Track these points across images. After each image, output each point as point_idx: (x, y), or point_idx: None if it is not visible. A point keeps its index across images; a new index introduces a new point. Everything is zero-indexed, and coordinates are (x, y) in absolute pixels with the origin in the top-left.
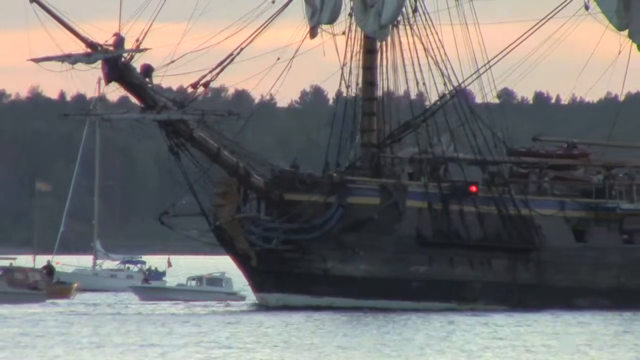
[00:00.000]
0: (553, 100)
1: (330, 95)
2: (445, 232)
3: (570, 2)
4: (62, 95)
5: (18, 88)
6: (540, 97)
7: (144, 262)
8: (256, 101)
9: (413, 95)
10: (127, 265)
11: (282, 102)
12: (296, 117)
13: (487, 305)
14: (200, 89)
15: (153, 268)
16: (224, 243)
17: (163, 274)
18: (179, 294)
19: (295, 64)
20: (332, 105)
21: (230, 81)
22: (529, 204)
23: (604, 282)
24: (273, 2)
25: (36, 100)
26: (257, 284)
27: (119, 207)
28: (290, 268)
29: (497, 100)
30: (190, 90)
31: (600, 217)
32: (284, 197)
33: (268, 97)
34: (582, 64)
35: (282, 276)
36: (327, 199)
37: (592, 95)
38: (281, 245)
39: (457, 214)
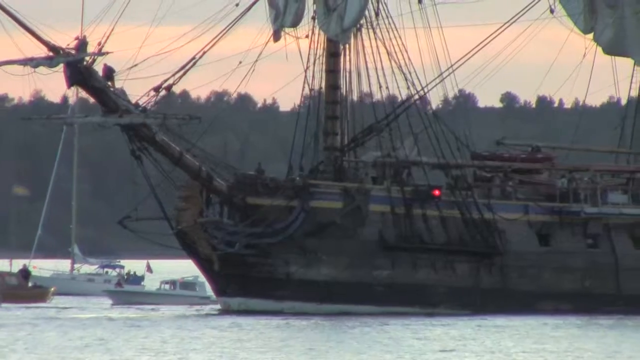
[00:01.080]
0: (556, 104)
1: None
2: (408, 236)
3: (535, 5)
4: (64, 99)
5: (21, 92)
6: (543, 101)
7: (122, 267)
8: (259, 105)
9: (376, 99)
10: (105, 269)
11: (286, 106)
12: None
13: (450, 309)
14: (163, 93)
15: (132, 272)
16: (187, 247)
17: (142, 278)
18: (152, 298)
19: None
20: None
21: (194, 84)
22: (492, 208)
23: (568, 287)
24: (237, 5)
25: (39, 104)
26: (220, 289)
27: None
28: (253, 272)
29: (500, 104)
30: (152, 93)
31: (565, 221)
32: (246, 201)
33: (271, 101)
34: (547, 66)
35: (244, 280)
36: (289, 203)
37: (594, 99)
38: (244, 250)
39: (420, 218)
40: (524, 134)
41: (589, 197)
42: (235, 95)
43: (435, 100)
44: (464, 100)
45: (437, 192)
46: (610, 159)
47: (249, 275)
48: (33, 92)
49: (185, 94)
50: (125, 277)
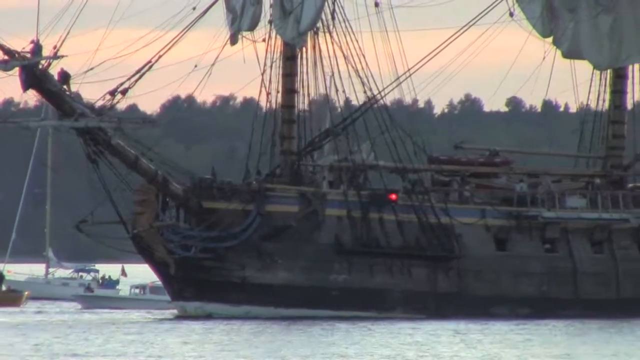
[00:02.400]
0: (562, 109)
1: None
2: (364, 240)
3: (493, 8)
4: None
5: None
6: (549, 105)
7: (97, 271)
8: (264, 110)
9: (333, 103)
10: (79, 273)
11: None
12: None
13: (406, 313)
14: (118, 97)
15: (107, 276)
16: (142, 251)
17: (116, 282)
18: (121, 302)
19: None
20: None
21: (152, 87)
22: (449, 212)
23: (525, 291)
24: (194, 9)
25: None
26: (176, 293)
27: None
28: (209, 276)
29: (506, 109)
30: (107, 97)
31: (522, 225)
32: (202, 205)
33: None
34: (506, 70)
35: (200, 285)
36: (245, 206)
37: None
38: (200, 254)
39: (377, 222)
40: (528, 138)
41: (547, 202)
42: (241, 99)
43: (440, 105)
44: (470, 105)
45: (393, 196)
46: (572, 163)
47: (205, 279)
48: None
49: (190, 99)
50: (100, 281)
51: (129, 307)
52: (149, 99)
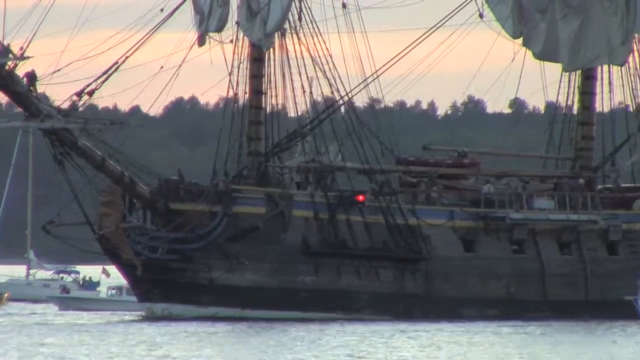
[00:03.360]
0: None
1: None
2: (331, 241)
3: (462, 9)
4: (73, 105)
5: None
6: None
7: (77, 272)
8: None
9: (301, 104)
10: (60, 275)
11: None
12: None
13: (374, 315)
14: (85, 97)
15: (88, 278)
16: (109, 252)
17: (97, 284)
18: (97, 303)
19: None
20: None
21: (119, 89)
22: (417, 214)
23: (493, 293)
24: (162, 10)
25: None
26: (143, 294)
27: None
28: (176, 278)
29: (509, 110)
30: (74, 98)
31: (490, 227)
32: (169, 207)
33: (280, 107)
34: (481, 71)
35: (167, 286)
36: (212, 208)
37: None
38: (166, 255)
39: (344, 223)
40: (531, 140)
41: (515, 203)
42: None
43: (443, 107)
44: (474, 106)
45: (361, 198)
46: (541, 164)
47: (172, 280)
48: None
49: (193, 100)
50: (81, 282)
51: (105, 308)
52: (151, 100)
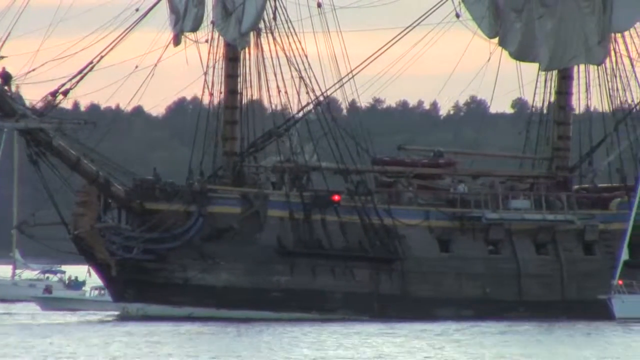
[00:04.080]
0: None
1: None
2: (307, 241)
3: (438, 8)
4: (75, 105)
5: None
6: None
7: (63, 272)
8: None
9: (276, 104)
10: (46, 274)
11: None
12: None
13: (349, 315)
14: (60, 97)
15: (73, 278)
16: (84, 252)
17: (83, 283)
18: (80, 304)
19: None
20: None
21: (94, 88)
22: (392, 214)
23: (469, 293)
24: (137, 10)
25: (92, 110)
26: (118, 294)
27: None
28: (151, 278)
29: (512, 110)
30: (49, 98)
31: (466, 227)
32: (144, 206)
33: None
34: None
35: (142, 286)
36: (187, 208)
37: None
38: (141, 255)
39: (319, 223)
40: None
41: (490, 203)
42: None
43: (445, 107)
44: (476, 106)
45: (336, 198)
46: (517, 164)
47: (147, 280)
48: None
49: (196, 101)
50: (67, 282)
51: (87, 308)
52: (155, 101)
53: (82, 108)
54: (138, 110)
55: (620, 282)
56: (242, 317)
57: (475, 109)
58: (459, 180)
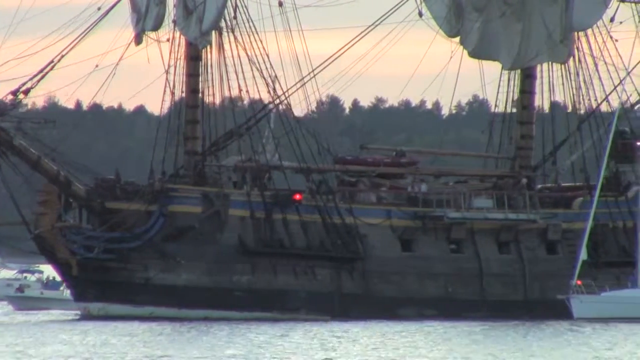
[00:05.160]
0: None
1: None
2: (268, 241)
3: (400, 7)
4: (78, 104)
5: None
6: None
7: (41, 272)
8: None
9: (238, 103)
10: (24, 274)
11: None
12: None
13: (310, 314)
14: (21, 96)
15: (51, 277)
16: (44, 251)
17: (61, 283)
18: (53, 303)
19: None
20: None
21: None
22: (354, 213)
23: (431, 292)
24: (99, 9)
25: (52, 109)
26: (79, 294)
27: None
28: (112, 277)
29: (514, 110)
30: (10, 97)
31: (428, 226)
32: (105, 206)
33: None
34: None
35: (103, 285)
36: (148, 207)
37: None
38: (102, 254)
39: (281, 222)
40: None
41: (453, 202)
42: (248, 100)
43: (447, 106)
44: (478, 106)
45: (298, 197)
46: (480, 163)
47: (108, 280)
48: (46, 97)
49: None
50: (45, 281)
51: (61, 307)
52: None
53: (64, 105)
54: (140, 110)
55: (579, 282)
56: (204, 317)
57: (478, 109)
58: (420, 180)
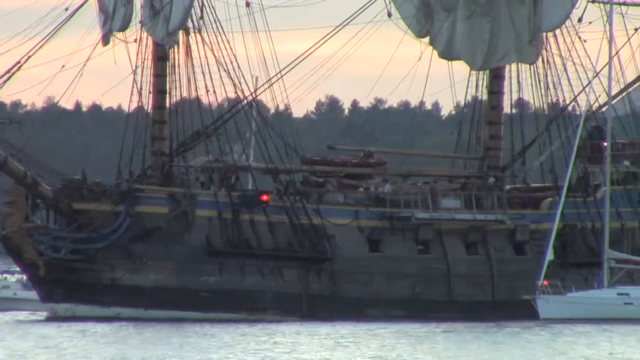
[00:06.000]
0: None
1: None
2: (235, 241)
3: (368, 7)
4: (77, 105)
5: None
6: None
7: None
8: (272, 111)
9: (205, 104)
10: (4, 275)
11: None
12: (311, 126)
13: (278, 315)
14: None
15: None
16: (12, 252)
17: None
18: (26, 304)
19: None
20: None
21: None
22: (322, 213)
23: (399, 293)
24: (66, 9)
25: (51, 110)
26: (46, 294)
27: None
28: (79, 278)
29: (513, 110)
30: None
31: (395, 226)
32: (72, 206)
33: (283, 107)
34: (386, 70)
35: (70, 286)
36: (115, 208)
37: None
38: (70, 255)
39: (248, 223)
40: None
41: (420, 203)
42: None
43: (447, 107)
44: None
45: (265, 197)
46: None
47: (75, 281)
48: (45, 97)
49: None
50: (25, 282)
51: (37, 309)
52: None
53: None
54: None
55: (546, 282)
56: (171, 318)
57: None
58: (384, 180)
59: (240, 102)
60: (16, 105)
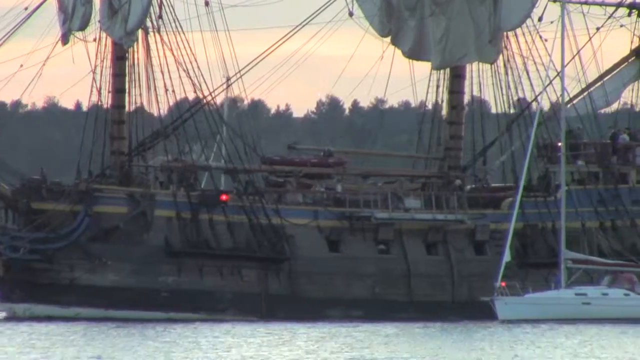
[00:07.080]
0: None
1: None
2: (194, 241)
3: (330, 6)
4: (78, 105)
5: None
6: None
7: None
8: (272, 111)
9: (165, 103)
10: None
11: (298, 112)
12: (312, 126)
13: (237, 316)
14: None
15: None
16: None
17: None
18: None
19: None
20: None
21: None
22: (281, 213)
23: (358, 293)
24: (26, 9)
25: (51, 110)
26: (5, 294)
27: None
28: (38, 278)
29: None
30: None
31: (355, 226)
32: (31, 206)
33: (284, 108)
34: (349, 70)
35: (29, 286)
36: (73, 207)
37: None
38: (28, 255)
39: (207, 223)
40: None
41: (380, 202)
42: (248, 101)
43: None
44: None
45: (224, 197)
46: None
47: (34, 281)
48: (45, 97)
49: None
50: None
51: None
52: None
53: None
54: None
55: (504, 283)
56: (130, 318)
57: (477, 109)
58: (337, 180)
59: (200, 102)
60: (16, 105)
